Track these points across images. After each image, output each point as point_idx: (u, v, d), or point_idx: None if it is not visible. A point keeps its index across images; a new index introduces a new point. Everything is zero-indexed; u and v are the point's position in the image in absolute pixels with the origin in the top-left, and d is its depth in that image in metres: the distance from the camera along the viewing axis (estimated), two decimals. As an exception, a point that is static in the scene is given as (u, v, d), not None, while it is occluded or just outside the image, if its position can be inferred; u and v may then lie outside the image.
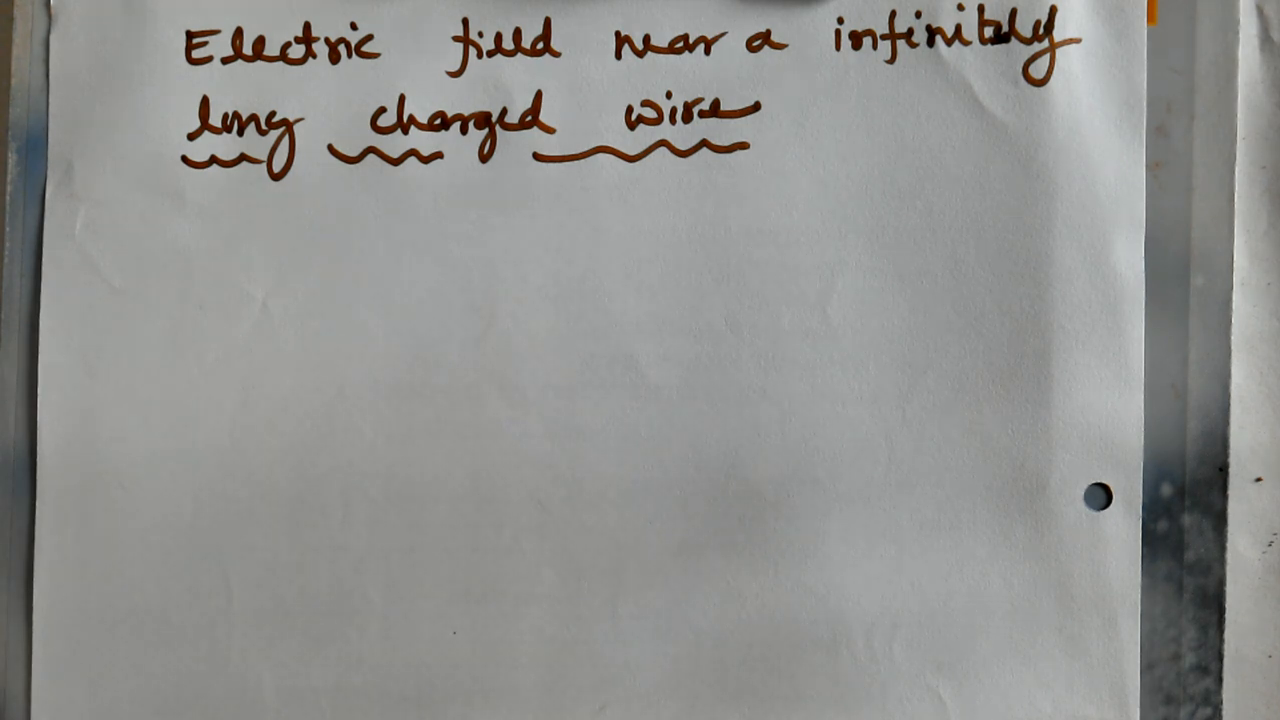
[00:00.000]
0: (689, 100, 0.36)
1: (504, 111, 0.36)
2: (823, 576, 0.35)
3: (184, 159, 0.36)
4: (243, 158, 0.36)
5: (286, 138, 0.36)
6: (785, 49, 0.35)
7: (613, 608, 0.35)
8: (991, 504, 0.35)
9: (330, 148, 0.36)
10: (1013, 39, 0.35)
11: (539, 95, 0.36)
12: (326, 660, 0.36)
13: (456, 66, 0.36)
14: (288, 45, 0.36)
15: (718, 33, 0.35)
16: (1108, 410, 0.34)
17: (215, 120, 0.36)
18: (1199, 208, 0.35)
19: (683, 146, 0.36)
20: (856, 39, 0.35)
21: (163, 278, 0.36)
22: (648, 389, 0.35)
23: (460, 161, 0.36)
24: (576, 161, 0.36)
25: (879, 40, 0.35)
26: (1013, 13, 0.35)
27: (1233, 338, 0.35)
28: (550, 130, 0.36)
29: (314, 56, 0.36)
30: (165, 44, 0.36)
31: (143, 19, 0.37)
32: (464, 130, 0.36)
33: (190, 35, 0.36)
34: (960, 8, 0.35)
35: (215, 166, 0.36)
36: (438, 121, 0.36)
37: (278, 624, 0.36)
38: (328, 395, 0.36)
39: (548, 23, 0.36)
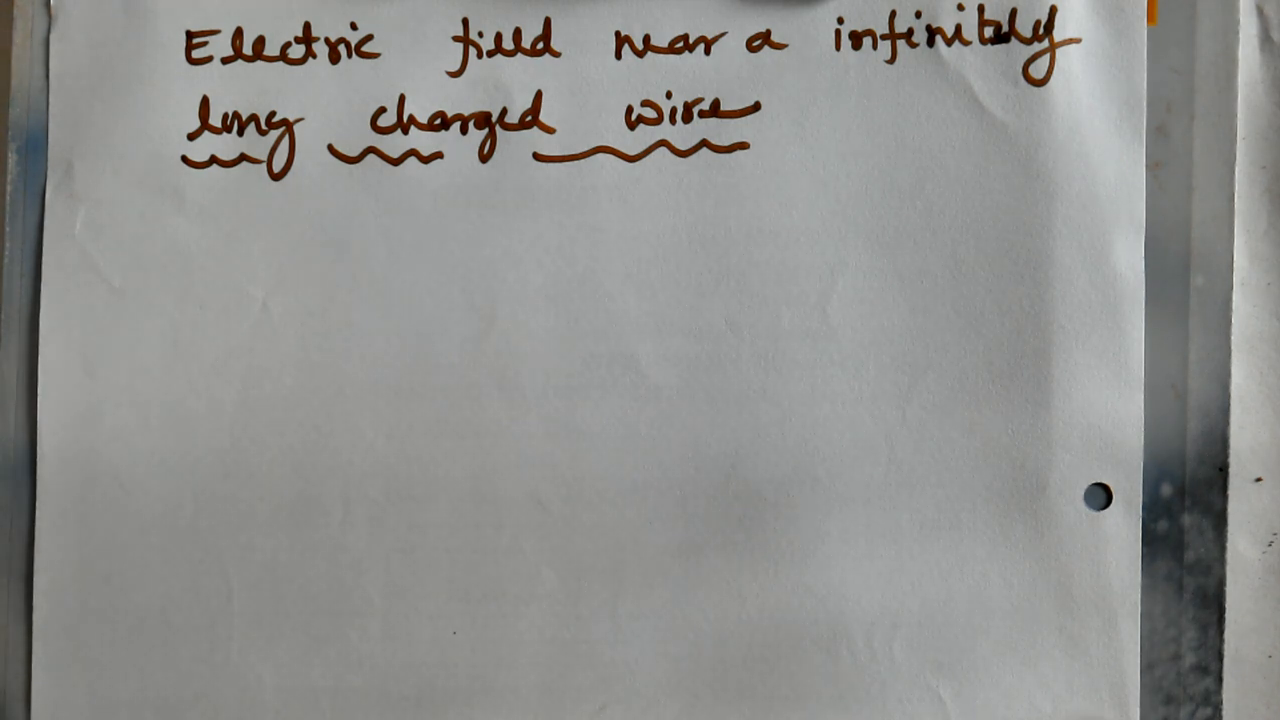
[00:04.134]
0: (689, 100, 0.36)
1: (504, 111, 0.36)
2: (823, 576, 0.35)
3: (184, 159, 0.36)
4: (243, 158, 0.36)
5: (286, 138, 0.36)
6: (785, 49, 0.35)
7: (613, 608, 0.35)
8: (991, 504, 0.35)
9: (330, 148, 0.36)
10: (1013, 39, 0.35)
11: (539, 95, 0.36)
12: (326, 660, 0.36)
13: (456, 66, 0.36)
14: (288, 45, 0.36)
15: (718, 33, 0.36)
16: (1108, 410, 0.34)
17: (215, 120, 0.36)
18: (1199, 208, 0.35)
19: (683, 146, 0.36)
20: (856, 39, 0.35)
21: (163, 278, 0.36)
22: (648, 389, 0.35)
23: (460, 161, 0.36)
24: (576, 161, 0.36)
25: (879, 40, 0.35)
26: (1013, 13, 0.35)
27: (1233, 338, 0.35)
28: (550, 130, 0.36)
29: (314, 56, 0.36)
30: (165, 44, 0.36)
31: (143, 19, 0.37)
32: (464, 130, 0.36)
33: (190, 35, 0.36)
34: (960, 8, 0.35)
35: (215, 166, 0.36)
36: (438, 121, 0.36)
37: (278, 624, 0.36)
38: (328, 395, 0.36)
39: (548, 23, 0.36)
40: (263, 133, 0.36)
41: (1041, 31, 0.35)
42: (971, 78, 0.35)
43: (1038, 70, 0.35)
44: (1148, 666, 0.34)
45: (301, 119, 0.36)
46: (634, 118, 0.36)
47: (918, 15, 0.35)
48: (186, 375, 0.36)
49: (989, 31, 0.35)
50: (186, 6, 0.36)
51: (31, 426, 0.36)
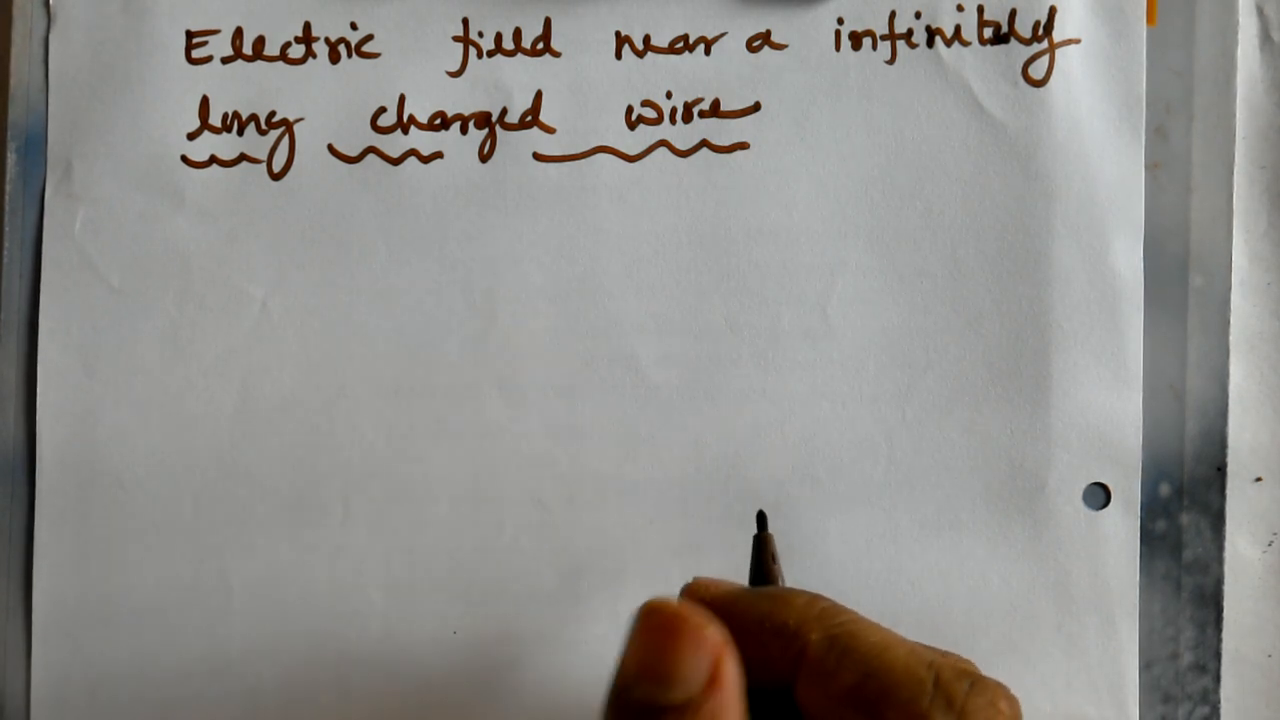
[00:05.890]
0: (689, 100, 0.36)
1: (504, 111, 0.36)
2: (823, 576, 0.35)
3: (184, 159, 0.36)
4: (243, 158, 0.36)
5: (286, 138, 0.36)
6: (785, 49, 0.35)
7: (613, 608, 0.35)
8: (990, 504, 0.35)
9: (330, 148, 0.36)
10: (1012, 39, 0.35)
11: (539, 95, 0.36)
12: (326, 660, 0.36)
13: (456, 66, 0.36)
14: (288, 45, 0.36)
15: (718, 33, 0.36)
16: (1106, 410, 0.34)
17: (215, 120, 0.36)
18: (1198, 208, 0.35)
19: (683, 146, 0.36)
20: (856, 39, 0.35)
21: (162, 277, 0.36)
22: (648, 389, 0.35)
23: (460, 161, 0.36)
24: (576, 161, 0.36)
25: (879, 41, 0.35)
26: (1012, 13, 0.35)
27: (1231, 337, 0.35)
28: (550, 130, 0.36)
29: (314, 56, 0.36)
30: (165, 44, 0.36)
31: (142, 19, 0.37)
32: (464, 130, 0.36)
33: (190, 35, 0.36)
34: (960, 8, 0.35)
35: (215, 166, 0.36)
36: (438, 121, 0.36)
37: (278, 624, 0.36)
38: (328, 395, 0.36)
39: (548, 23, 0.36)
40: (262, 132, 0.36)
41: (1041, 32, 0.35)
42: (971, 78, 0.35)
43: (1037, 71, 0.35)
44: (1146, 665, 0.34)
45: (301, 119, 0.36)
46: (634, 118, 0.36)
47: (917, 16, 0.35)
48: (186, 375, 0.36)
49: (988, 32, 0.35)
50: (186, 6, 0.36)
51: (31, 426, 0.36)
